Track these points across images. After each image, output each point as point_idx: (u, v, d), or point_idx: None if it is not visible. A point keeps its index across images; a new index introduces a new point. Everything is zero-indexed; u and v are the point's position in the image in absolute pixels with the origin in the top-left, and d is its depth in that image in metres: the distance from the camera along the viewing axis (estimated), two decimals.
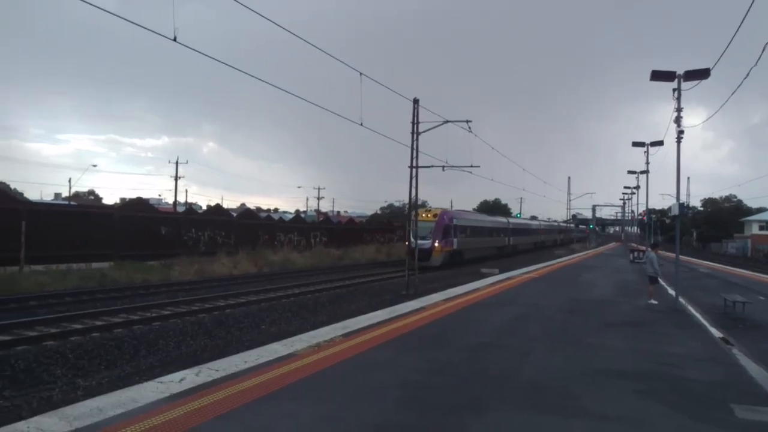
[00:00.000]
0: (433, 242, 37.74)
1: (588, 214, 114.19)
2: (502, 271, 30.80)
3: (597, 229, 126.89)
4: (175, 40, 12.55)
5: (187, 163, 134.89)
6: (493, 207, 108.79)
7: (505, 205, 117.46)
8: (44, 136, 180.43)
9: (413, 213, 37.38)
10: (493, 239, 52.85)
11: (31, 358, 11.16)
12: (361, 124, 22.64)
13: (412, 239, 34.87)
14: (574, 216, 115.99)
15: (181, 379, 6.85)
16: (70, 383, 10.16)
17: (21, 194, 58.36)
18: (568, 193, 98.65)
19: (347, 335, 10.01)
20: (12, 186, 65.62)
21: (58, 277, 23.71)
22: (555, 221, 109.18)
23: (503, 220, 62.50)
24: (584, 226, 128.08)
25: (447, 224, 39.87)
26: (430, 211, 40.94)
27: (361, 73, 21.88)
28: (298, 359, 8.16)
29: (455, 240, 40.95)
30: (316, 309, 19.03)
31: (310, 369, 7.71)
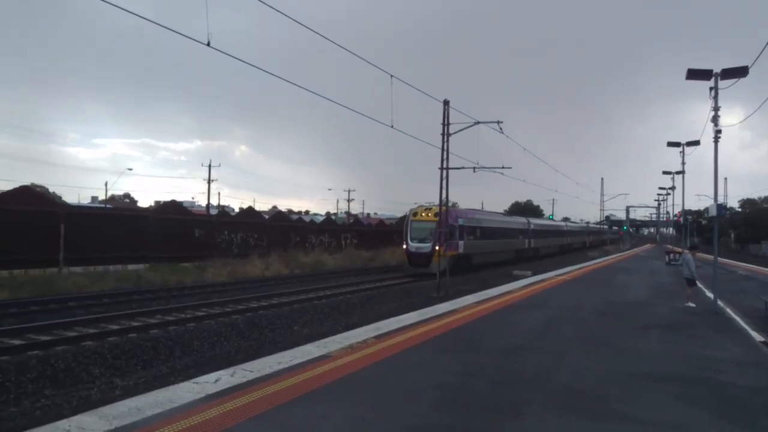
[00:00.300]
0: (434, 245, 32.30)
1: (622, 216, 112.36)
2: (534, 274, 30.50)
3: (631, 230, 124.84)
4: (209, 45, 12.71)
5: (219, 166, 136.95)
6: (525, 208, 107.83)
7: (537, 207, 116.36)
8: (81, 140, 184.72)
9: (409, 212, 35.56)
10: (509, 242, 47.25)
11: (70, 357, 11.39)
12: (392, 126, 22.66)
13: (409, 242, 33.37)
14: (607, 217, 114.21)
15: (217, 380, 6.91)
16: (108, 383, 10.35)
17: (59, 197, 59.71)
18: (602, 194, 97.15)
19: (380, 337, 10.00)
20: (51, 189, 67.13)
21: (96, 279, 24.21)
22: (587, 222, 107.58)
23: (522, 220, 56.39)
24: (617, 228, 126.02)
25: (451, 224, 33.89)
26: (430, 209, 34.90)
27: (391, 76, 21.92)
28: (331, 361, 8.18)
29: (461, 243, 35.69)
30: (348, 311, 19.08)
31: (344, 370, 7.72)
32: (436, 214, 32.85)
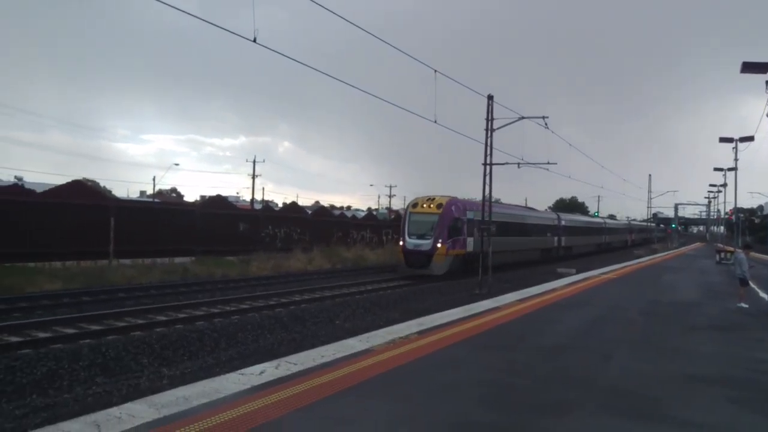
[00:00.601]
0: (435, 242, 28.36)
1: (670, 213, 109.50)
2: (578, 272, 30.00)
3: (679, 228, 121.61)
4: (255, 41, 12.87)
5: (264, 162, 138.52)
6: (569, 205, 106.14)
7: (582, 204, 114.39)
8: (130, 136, 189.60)
9: (409, 204, 30.82)
10: (533, 240, 41.43)
11: (120, 347, 11.72)
12: (435, 122, 22.56)
13: (407, 238, 29.15)
14: (654, 215, 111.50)
15: (261, 372, 7.01)
16: (155, 372, 10.62)
17: (110, 192, 61.46)
18: (649, 191, 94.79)
19: (423, 332, 9.98)
20: (101, 184, 69.20)
21: (144, 271, 24.85)
22: (633, 219, 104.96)
23: (550, 215, 50.74)
24: (664, 226, 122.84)
25: (456, 218, 29.73)
26: (432, 199, 30.08)
27: (435, 71, 21.83)
28: (374, 355, 8.20)
29: (470, 240, 30.72)
30: (389, 306, 19.12)
31: (387, 365, 7.73)
32: (439, 206, 29.31)
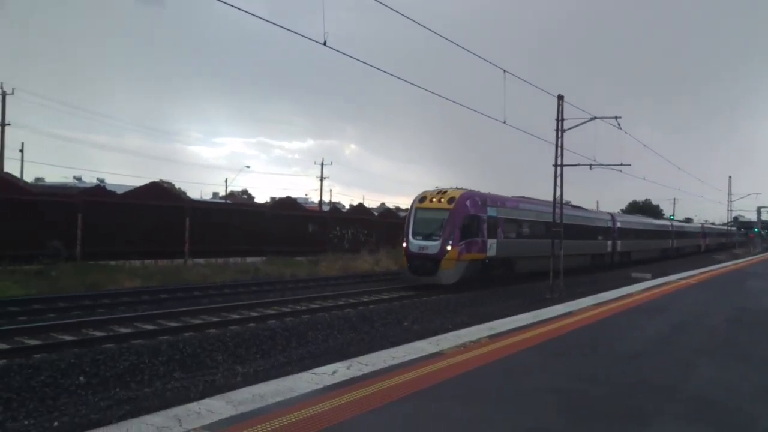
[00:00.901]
0: (444, 244, 23.20)
1: (751, 217, 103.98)
2: (654, 277, 28.92)
3: (762, 232, 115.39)
4: (324, 44, 13.03)
5: (331, 164, 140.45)
6: (643, 208, 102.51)
7: (656, 206, 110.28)
8: (203, 139, 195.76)
9: (416, 199, 25.41)
10: (579, 244, 33.43)
11: (196, 344, 12.07)
12: (504, 122, 22.24)
13: (410, 238, 24.07)
14: (735, 218, 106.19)
15: (334, 372, 7.06)
16: (230, 369, 10.88)
17: (184, 193, 63.67)
18: (729, 193, 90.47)
19: (493, 337, 9.82)
20: (176, 185, 71.76)
21: (217, 270, 25.61)
22: (712, 223, 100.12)
23: (602, 216, 42.58)
24: (746, 230, 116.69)
25: (472, 215, 24.38)
26: (444, 193, 24.84)
27: (504, 71, 21.54)
28: (444, 358, 8.12)
29: (492, 242, 25.30)
30: (456, 309, 18.96)
31: (457, 369, 7.64)
32: (451, 200, 24.12)
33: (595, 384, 7.35)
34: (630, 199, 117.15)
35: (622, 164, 30.45)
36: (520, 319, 12.06)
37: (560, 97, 25.34)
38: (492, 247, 25.28)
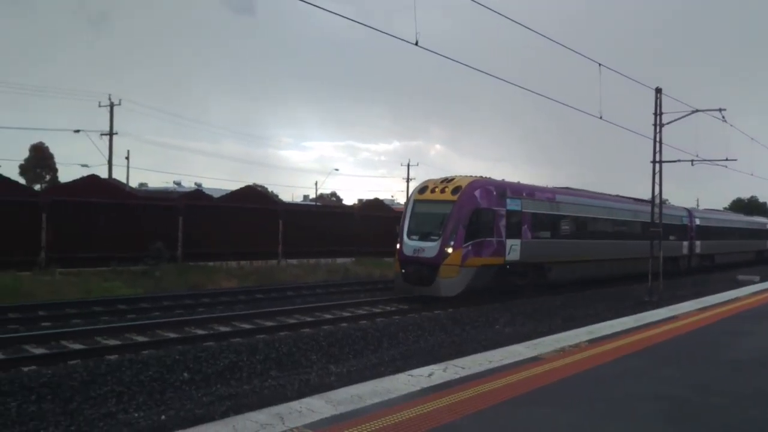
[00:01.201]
0: (443, 246, 18.50)
1: None
2: (762, 279, 27.07)
3: None
4: (416, 44, 13.02)
5: (417, 165, 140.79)
6: (749, 206, 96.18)
7: (764, 204, 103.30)
8: (293, 144, 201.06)
9: (415, 189, 21.50)
10: (641, 246, 25.93)
11: (291, 343, 12.34)
12: (600, 117, 21.46)
13: (405, 238, 19.52)
14: None
15: (430, 374, 7.00)
16: (324, 368, 11.03)
17: (276, 196, 65.57)
18: None
19: (593, 341, 9.47)
20: (269, 189, 74.07)
21: (309, 270, 26.23)
22: None
23: (677, 211, 35.16)
24: None
25: (483, 209, 19.66)
26: (449, 182, 20.15)
27: (600, 64, 20.82)
28: (543, 363, 7.89)
29: (514, 243, 20.42)
30: (551, 312, 18.43)
31: (557, 374, 7.40)
32: (456, 190, 19.38)
33: (709, 393, 6.91)
34: (734, 197, 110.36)
35: (727, 159, 28.71)
36: (620, 324, 11.58)
37: (658, 90, 24.18)
38: (513, 249, 20.39)
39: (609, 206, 28.34)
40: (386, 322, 15.28)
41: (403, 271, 19.25)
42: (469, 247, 18.79)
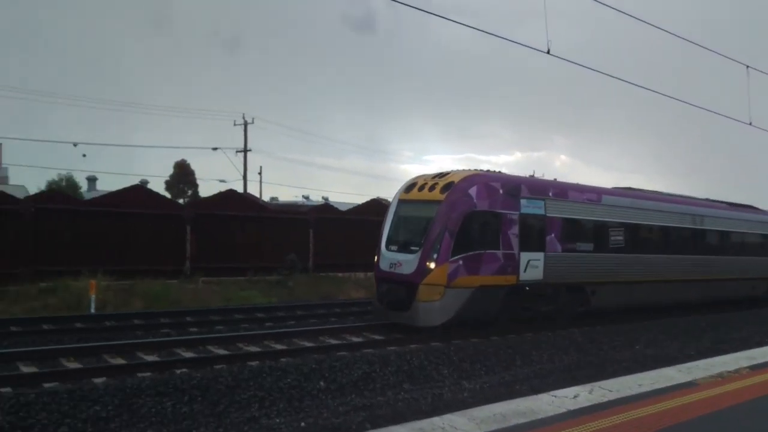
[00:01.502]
0: (424, 259, 14.11)
1: None
2: None
3: None
4: (548, 52, 12.71)
5: (543, 176, 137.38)
6: None
7: None
8: (413, 158, 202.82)
9: (401, 188, 16.38)
10: (717, 262, 21.67)
11: (422, 356, 12.30)
12: (750, 123, 19.80)
13: (383, 248, 15.48)
14: None
15: (575, 396, 6.70)
16: (456, 383, 10.89)
17: None
18: None
19: (755, 368, 8.66)
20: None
21: None
22: None
23: (761, 216, 25.72)
24: None
25: (479, 211, 14.79)
26: (442, 176, 15.48)
27: (747, 66, 19.26)
28: (698, 390, 7.31)
29: (531, 257, 15.41)
30: (696, 333, 17.12)
31: (715, 403, 6.82)
32: (446, 187, 14.73)
33: None
34: None
35: None
36: None
37: None
38: (533, 265, 15.41)
39: (691, 212, 21.52)
40: (517, 339, 14.85)
41: (377, 290, 15.39)
42: (460, 262, 14.20)
